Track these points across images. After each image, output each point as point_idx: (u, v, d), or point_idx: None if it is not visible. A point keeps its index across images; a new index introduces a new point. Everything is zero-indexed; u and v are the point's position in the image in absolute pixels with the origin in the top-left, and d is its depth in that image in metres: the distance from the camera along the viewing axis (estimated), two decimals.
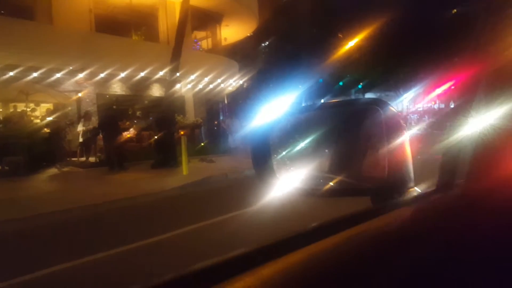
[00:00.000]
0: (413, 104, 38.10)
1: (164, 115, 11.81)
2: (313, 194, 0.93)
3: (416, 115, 35.28)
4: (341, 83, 30.62)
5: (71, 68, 12.73)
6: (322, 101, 31.90)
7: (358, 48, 26.64)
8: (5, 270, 3.52)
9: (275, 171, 0.93)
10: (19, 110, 12.03)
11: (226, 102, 21.60)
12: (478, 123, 0.75)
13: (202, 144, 14.99)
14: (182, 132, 13.14)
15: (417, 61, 25.07)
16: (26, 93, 11.74)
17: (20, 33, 11.37)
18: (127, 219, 5.75)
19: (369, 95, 30.06)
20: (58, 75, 12.68)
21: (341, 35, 28.48)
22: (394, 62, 26.59)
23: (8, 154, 9.69)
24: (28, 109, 11.85)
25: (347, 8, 28.10)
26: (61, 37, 12.48)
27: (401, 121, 0.85)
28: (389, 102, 0.87)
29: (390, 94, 33.88)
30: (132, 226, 5.17)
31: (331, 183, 0.94)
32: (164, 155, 10.97)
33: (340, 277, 0.51)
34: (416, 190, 0.80)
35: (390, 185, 0.81)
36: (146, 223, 5.38)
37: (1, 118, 11.28)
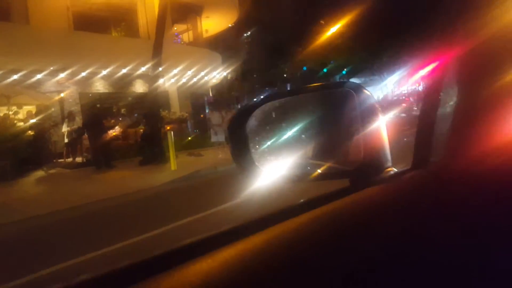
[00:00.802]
0: (398, 87, 38.46)
1: (149, 111, 11.79)
2: (296, 180, 0.95)
3: (401, 97, 35.65)
4: (325, 70, 30.73)
5: (51, 68, 12.55)
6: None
7: (341, 34, 26.74)
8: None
9: (254, 161, 0.92)
10: (1, 114, 11.86)
11: (211, 94, 21.55)
12: (451, 101, 0.76)
13: (189, 138, 15.00)
14: (168, 127, 13.13)
15: (399, 44, 25.28)
16: (8, 96, 11.58)
17: None
18: (116, 218, 5.76)
19: (353, 80, 30.17)
20: (39, 76, 12.49)
21: (323, 22, 28.52)
22: (376, 46, 26.75)
23: None
24: (11, 112, 11.68)
25: None
26: (39, 37, 12.26)
27: (375, 104, 0.86)
28: (364, 86, 0.89)
29: (374, 78, 34.15)
30: (122, 224, 5.21)
31: (313, 168, 0.96)
32: (151, 151, 10.98)
33: (308, 254, 0.52)
34: (394, 170, 0.82)
35: (367, 166, 0.82)
36: (136, 220, 5.41)
37: None
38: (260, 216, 0.63)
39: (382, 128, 0.84)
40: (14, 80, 11.80)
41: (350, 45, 27.39)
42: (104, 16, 15.60)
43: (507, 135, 0.76)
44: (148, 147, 11.05)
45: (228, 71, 22.96)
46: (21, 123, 11.22)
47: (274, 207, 0.67)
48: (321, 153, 1.02)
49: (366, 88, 0.88)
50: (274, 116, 1.03)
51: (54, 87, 13.25)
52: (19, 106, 12.07)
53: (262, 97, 1.00)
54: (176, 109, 16.99)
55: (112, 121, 12.97)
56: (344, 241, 0.56)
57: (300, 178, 0.96)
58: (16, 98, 11.93)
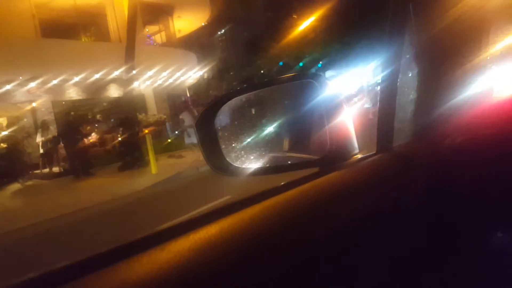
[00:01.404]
0: (373, 78, 38.95)
1: (125, 115, 11.59)
2: (269, 172, 0.96)
3: (367, 89, 36.10)
4: (301, 64, 30.93)
5: (21, 78, 12.17)
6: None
7: (313, 28, 26.98)
8: None
9: (225, 157, 0.92)
10: None
11: (188, 95, 21.38)
12: (407, 84, 0.79)
13: (169, 140, 14.83)
14: (146, 131, 12.94)
15: (370, 34, 25.65)
16: None
17: None
18: (95, 228, 5.55)
19: (330, 73, 30.51)
20: (8, 87, 12.09)
21: (295, 16, 28.69)
22: (348, 38, 27.05)
23: None
24: None
25: None
26: (5, 46, 11.83)
27: (339, 94, 0.87)
28: (332, 78, 0.88)
29: (350, 70, 34.54)
30: (102, 233, 5.12)
31: (284, 160, 0.98)
32: (130, 156, 10.81)
33: (272, 235, 0.54)
34: (358, 156, 0.85)
35: (333, 153, 0.84)
36: (117, 228, 5.30)
37: None
38: (229, 202, 0.63)
39: (347, 118, 0.86)
40: None
41: (323, 38, 27.67)
42: (72, 22, 15.22)
43: (463, 117, 0.80)
44: (127, 152, 10.87)
45: (204, 70, 22.84)
46: None
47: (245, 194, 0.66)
48: (292, 145, 1.03)
49: (334, 79, 0.88)
50: (242, 110, 1.03)
51: (25, 97, 12.86)
52: None
53: (227, 92, 0.99)
54: (154, 112, 16.77)
55: (88, 128, 12.68)
56: (309, 221, 0.58)
57: (272, 170, 0.97)
58: None
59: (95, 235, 5.04)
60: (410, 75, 0.89)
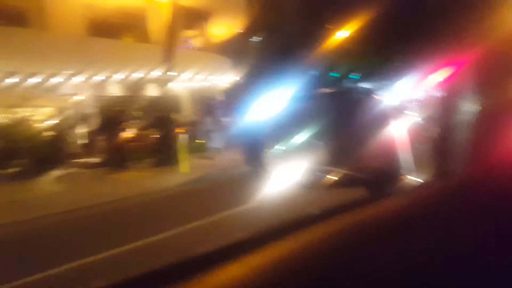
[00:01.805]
0: (411, 93, 38.08)
1: (161, 114, 12.17)
2: (310, 186, 0.92)
3: (416, 103, 35.25)
4: (334, 74, 30.78)
5: (69, 72, 13.07)
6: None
7: (350, 38, 26.90)
8: (14, 269, 3.72)
9: (267, 165, 0.92)
10: (21, 115, 12.38)
11: (221, 98, 21.89)
12: (469, 109, 0.71)
13: (201, 141, 15.32)
14: (179, 130, 13.49)
15: (412, 48, 25.14)
16: (27, 99, 12.08)
17: (17, 41, 11.67)
18: (128, 219, 5.89)
19: (364, 85, 30.00)
20: (56, 79, 13.02)
21: (330, 26, 28.72)
22: (387, 50, 26.61)
23: (14, 158, 10.06)
24: (30, 114, 12.18)
25: None
26: (57, 42, 12.78)
27: (390, 110, 0.84)
28: (377, 91, 0.91)
29: (386, 83, 33.87)
30: (134, 226, 5.32)
31: (327, 174, 0.92)
32: (163, 153, 11.33)
33: (325, 266, 0.50)
34: (411, 179, 0.78)
35: (382, 173, 0.79)
36: (148, 222, 5.49)
37: (5, 124, 11.64)
38: (275, 224, 0.62)
39: (397, 134, 0.81)
40: (34, 83, 12.33)
41: (360, 49, 27.51)
42: (117, 23, 16.14)
43: None
44: (160, 149, 11.40)
45: (238, 74, 23.28)
46: (40, 124, 11.70)
47: (289, 216, 0.66)
48: (335, 159, 0.96)
49: (379, 93, 0.88)
50: (287, 120, 1.00)
51: (72, 90, 13.77)
52: (38, 108, 12.56)
53: (273, 102, 1.05)
54: (187, 113, 17.38)
55: (126, 123, 13.39)
56: (368, 256, 0.52)
57: (314, 184, 0.93)
58: (35, 100, 12.42)
59: (126, 226, 5.35)
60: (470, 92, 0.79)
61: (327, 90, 1.11)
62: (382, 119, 0.84)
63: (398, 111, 0.88)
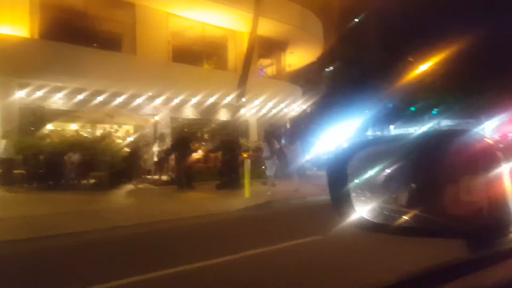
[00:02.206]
0: (499, 133, 34.47)
1: (229, 138, 12.52)
2: (387, 229, 0.86)
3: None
4: (413, 109, 29.15)
5: (150, 94, 14.18)
6: (393, 129, 30.17)
7: (432, 72, 25.33)
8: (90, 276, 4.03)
9: (352, 201, 0.87)
10: (103, 131, 13.63)
11: (288, 126, 22.02)
12: None
13: (264, 167, 15.42)
14: (245, 155, 13.72)
15: (503, 85, 22.81)
16: (111, 116, 13.26)
17: (108, 63, 13.04)
18: (194, 237, 6.12)
19: (445, 123, 27.88)
20: (139, 100, 14.20)
21: (412, 59, 27.49)
22: (474, 87, 24.45)
23: (93, 170, 11.01)
24: (112, 130, 13.33)
25: (419, 30, 27.09)
26: (143, 66, 14.02)
27: (498, 153, 0.75)
28: (482, 133, 0.82)
29: (470, 122, 31.12)
30: (199, 245, 5.49)
31: (408, 219, 0.84)
32: (228, 177, 11.57)
33: None
34: None
35: (489, 227, 0.69)
36: (211, 242, 5.66)
37: (90, 138, 12.87)
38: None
39: (504, 180, 0.73)
40: (118, 102, 13.56)
41: (443, 84, 25.71)
42: (199, 50, 17.27)
43: None
44: (225, 172, 11.67)
45: (307, 104, 23.33)
46: (120, 140, 12.72)
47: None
48: (419, 202, 0.87)
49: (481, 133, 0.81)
50: (376, 160, 0.95)
51: (150, 111, 14.88)
52: (120, 125, 13.71)
53: (366, 139, 1.01)
54: (254, 138, 17.72)
55: (197, 145, 14.01)
56: None
57: (393, 228, 0.86)
58: (118, 118, 13.60)
59: (191, 245, 5.54)
60: None
61: (425, 132, 0.97)
62: (481, 162, 0.75)
63: (499, 153, 0.76)
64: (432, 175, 0.87)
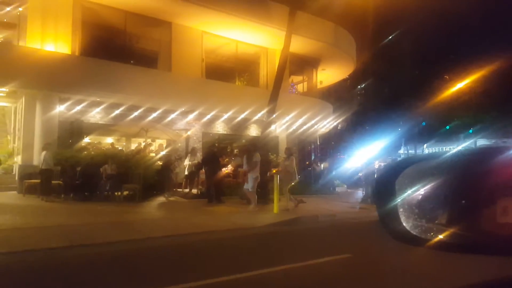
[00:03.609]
0: None
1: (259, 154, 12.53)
2: (426, 244, 0.88)
3: None
4: (448, 127, 28.40)
5: (183, 109, 14.54)
6: (439, 148, 29.16)
7: (469, 90, 24.63)
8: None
9: (399, 216, 0.89)
10: (138, 145, 14.04)
11: (318, 143, 21.83)
12: None
13: (293, 183, 15.31)
14: (274, 171, 13.67)
15: None
16: (146, 130, 13.67)
17: (144, 79, 13.51)
18: (222, 251, 6.16)
19: (481, 142, 27.00)
20: (172, 115, 14.59)
21: (447, 77, 26.83)
22: (511, 106, 23.62)
23: (127, 182, 11.31)
24: (146, 144, 13.71)
25: (455, 48, 26.51)
26: (177, 82, 14.44)
27: None
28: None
29: (507, 141, 29.97)
30: (226, 259, 5.55)
31: (446, 235, 0.87)
32: (257, 192, 11.54)
33: None
34: None
35: None
36: (239, 257, 5.70)
37: (125, 152, 13.29)
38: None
39: None
40: (153, 117, 13.98)
41: (480, 102, 24.94)
42: (231, 67, 17.62)
43: None
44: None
45: (338, 121, 23.10)
46: (153, 154, 13.04)
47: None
48: (465, 222, 0.88)
49: None
50: (425, 177, 0.96)
51: (183, 126, 15.22)
52: (153, 139, 14.10)
53: (412, 156, 1.04)
54: (284, 154, 17.65)
55: (226, 159, 14.13)
56: None
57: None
58: (152, 132, 14.01)
59: (215, 257, 5.59)
60: None
61: (465, 149, 1.01)
62: None
63: None
64: (472, 194, 0.87)
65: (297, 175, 11.26)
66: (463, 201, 0.88)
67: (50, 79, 11.99)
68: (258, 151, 12.26)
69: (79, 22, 13.45)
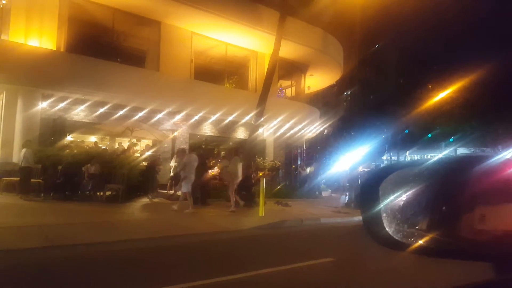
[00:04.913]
0: None
1: (246, 157, 12.49)
2: (408, 249, 0.90)
3: None
4: (429, 135, 29.08)
5: (170, 109, 14.37)
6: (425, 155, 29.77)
7: (450, 100, 25.29)
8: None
9: (382, 221, 0.91)
10: (123, 144, 13.78)
11: (304, 147, 21.93)
12: None
13: (279, 187, 15.33)
14: (260, 174, 13.66)
15: None
16: (131, 130, 13.44)
17: (131, 78, 13.30)
18: (204, 254, 6.06)
19: (461, 150, 27.77)
20: (159, 115, 14.40)
21: (430, 86, 27.47)
22: (492, 116, 24.41)
23: (110, 182, 11.07)
24: (131, 144, 13.47)
25: (438, 59, 27.17)
26: (165, 82, 14.27)
27: None
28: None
29: (486, 151, 30.88)
30: (209, 262, 5.47)
31: (427, 241, 0.88)
32: (242, 194, 11.49)
33: None
34: None
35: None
36: (222, 260, 5.63)
37: (108, 151, 13.02)
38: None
39: None
40: (139, 117, 13.78)
41: (461, 112, 25.64)
42: (220, 69, 17.54)
43: None
44: (240, 190, 11.59)
45: (325, 126, 23.28)
46: (138, 154, 12.81)
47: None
48: (444, 228, 0.89)
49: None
50: (408, 183, 0.98)
51: (170, 126, 15.04)
52: (138, 139, 13.86)
53: (396, 163, 1.07)
54: (271, 158, 17.66)
55: (213, 161, 14.01)
56: None
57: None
58: (137, 132, 13.76)
59: (196, 260, 5.49)
60: None
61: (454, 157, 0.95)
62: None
63: None
64: (451, 201, 0.89)
65: (239, 177, 11.17)
66: (443, 208, 0.89)
67: (33, 75, 11.69)
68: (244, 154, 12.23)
69: (66, 17, 13.16)
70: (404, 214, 0.95)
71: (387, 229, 0.92)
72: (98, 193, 11.13)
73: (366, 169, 16.64)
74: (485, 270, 0.76)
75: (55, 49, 12.84)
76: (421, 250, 0.88)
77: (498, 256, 0.76)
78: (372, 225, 0.93)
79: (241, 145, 14.93)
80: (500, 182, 0.81)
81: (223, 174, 11.32)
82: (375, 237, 0.92)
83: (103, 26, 14.21)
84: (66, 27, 13.23)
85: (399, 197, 0.97)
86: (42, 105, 12.43)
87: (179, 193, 12.72)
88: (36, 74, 11.72)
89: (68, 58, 12.90)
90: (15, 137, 11.90)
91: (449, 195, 0.89)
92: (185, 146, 15.05)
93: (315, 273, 5.01)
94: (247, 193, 11.64)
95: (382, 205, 0.94)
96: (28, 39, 12.32)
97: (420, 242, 0.88)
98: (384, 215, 0.93)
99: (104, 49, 13.70)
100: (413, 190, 0.96)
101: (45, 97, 12.47)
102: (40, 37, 12.56)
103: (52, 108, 12.60)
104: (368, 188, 0.97)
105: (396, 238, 0.91)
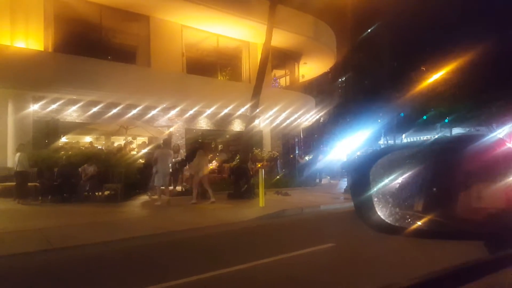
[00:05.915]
0: (510, 140, 34.16)
1: (243, 148, 12.43)
2: (402, 232, 0.88)
3: None
4: (424, 117, 29.18)
5: (164, 105, 14.21)
6: (418, 137, 30.13)
7: (444, 81, 25.32)
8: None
9: (374, 205, 0.90)
10: (119, 142, 13.63)
11: (302, 136, 21.88)
12: None
13: (278, 177, 15.29)
14: (259, 165, 13.60)
15: None
16: (126, 128, 13.28)
17: (122, 75, 13.12)
18: (208, 247, 6.06)
19: (456, 130, 27.92)
20: (153, 112, 14.24)
21: (424, 68, 27.44)
22: (485, 95, 24.51)
23: (107, 182, 10.96)
24: (127, 142, 13.34)
25: (431, 40, 27.13)
26: (157, 78, 14.08)
27: None
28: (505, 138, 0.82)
29: (481, 130, 31.06)
30: (212, 255, 5.47)
31: (424, 222, 0.87)
32: (242, 186, 11.45)
33: None
34: None
35: (508, 229, 0.72)
36: (225, 252, 5.62)
37: (104, 150, 12.88)
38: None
39: None
40: (133, 114, 13.61)
41: (455, 93, 25.69)
42: (212, 62, 17.35)
43: None
44: (239, 182, 11.54)
45: (321, 114, 23.21)
46: (134, 152, 12.69)
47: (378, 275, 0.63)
48: (441, 209, 0.89)
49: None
50: (398, 166, 0.97)
51: (165, 122, 14.91)
52: (134, 137, 13.73)
53: (386, 146, 1.03)
54: (268, 148, 17.60)
55: (211, 155, 13.92)
56: None
57: (408, 231, 0.88)
58: (132, 129, 13.61)
59: (203, 253, 5.45)
60: None
61: (444, 138, 0.87)
62: (505, 166, 0.78)
63: None
64: (447, 181, 0.90)
65: (203, 170, 11.11)
66: (439, 188, 0.89)
67: (22, 77, 11.47)
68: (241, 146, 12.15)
69: (52, 16, 12.91)
70: (398, 197, 0.93)
71: (379, 213, 0.90)
72: (96, 193, 11.03)
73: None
74: (484, 251, 0.75)
75: (42, 49, 12.61)
76: (417, 232, 0.88)
77: (493, 233, 0.76)
78: (363, 210, 0.91)
79: (237, 137, 14.84)
80: (494, 160, 0.80)
81: (190, 167, 11.33)
82: (367, 222, 0.90)
83: (90, 23, 13.95)
84: (53, 27, 12.98)
85: (393, 181, 0.94)
86: (34, 108, 12.25)
87: (178, 188, 12.68)
88: (25, 76, 11.51)
89: (56, 58, 12.68)
90: (8, 141, 11.73)
91: (445, 175, 0.89)
92: (182, 141, 14.94)
93: (317, 259, 5.07)
94: (246, 185, 11.58)
95: (373, 190, 0.92)
96: (14, 40, 12.09)
97: (417, 224, 0.88)
98: (376, 199, 0.91)
99: (93, 47, 13.47)
100: (408, 172, 0.95)
101: (36, 99, 12.27)
102: (27, 38, 12.33)
103: (44, 110, 12.42)
104: (358, 173, 0.96)
105: (389, 222, 0.90)
